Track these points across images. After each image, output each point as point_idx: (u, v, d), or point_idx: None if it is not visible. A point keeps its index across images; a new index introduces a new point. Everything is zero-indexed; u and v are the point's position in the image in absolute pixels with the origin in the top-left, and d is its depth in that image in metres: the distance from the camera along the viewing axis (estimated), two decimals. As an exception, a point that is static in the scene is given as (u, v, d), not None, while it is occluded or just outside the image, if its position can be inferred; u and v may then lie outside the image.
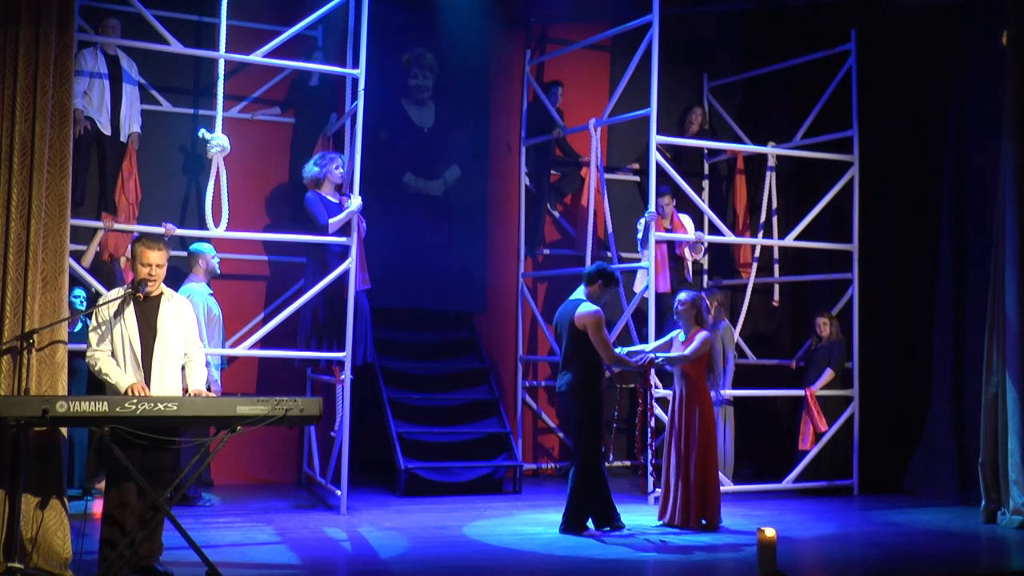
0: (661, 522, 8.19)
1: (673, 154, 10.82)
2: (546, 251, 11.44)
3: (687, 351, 8.10)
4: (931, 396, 10.23)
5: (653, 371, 9.05)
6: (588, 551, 7.25)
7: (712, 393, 8.29)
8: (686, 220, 10.41)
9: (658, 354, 8.28)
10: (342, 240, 8.60)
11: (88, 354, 6.17)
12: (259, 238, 9.62)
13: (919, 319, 10.49)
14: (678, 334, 8.34)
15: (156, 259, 6.20)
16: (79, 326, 8.51)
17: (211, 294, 8.67)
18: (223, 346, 8.70)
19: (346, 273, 8.54)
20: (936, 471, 10.03)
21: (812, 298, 11.08)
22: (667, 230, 10.08)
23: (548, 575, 6.75)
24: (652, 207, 9.56)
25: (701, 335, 8.10)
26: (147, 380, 6.11)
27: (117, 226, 8.70)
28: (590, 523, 7.82)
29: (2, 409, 5.68)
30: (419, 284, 10.47)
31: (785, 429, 10.87)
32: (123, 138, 9.25)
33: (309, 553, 7.03)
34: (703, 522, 8.00)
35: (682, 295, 8.36)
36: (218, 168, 8.32)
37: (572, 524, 7.74)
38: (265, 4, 10.05)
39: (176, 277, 8.34)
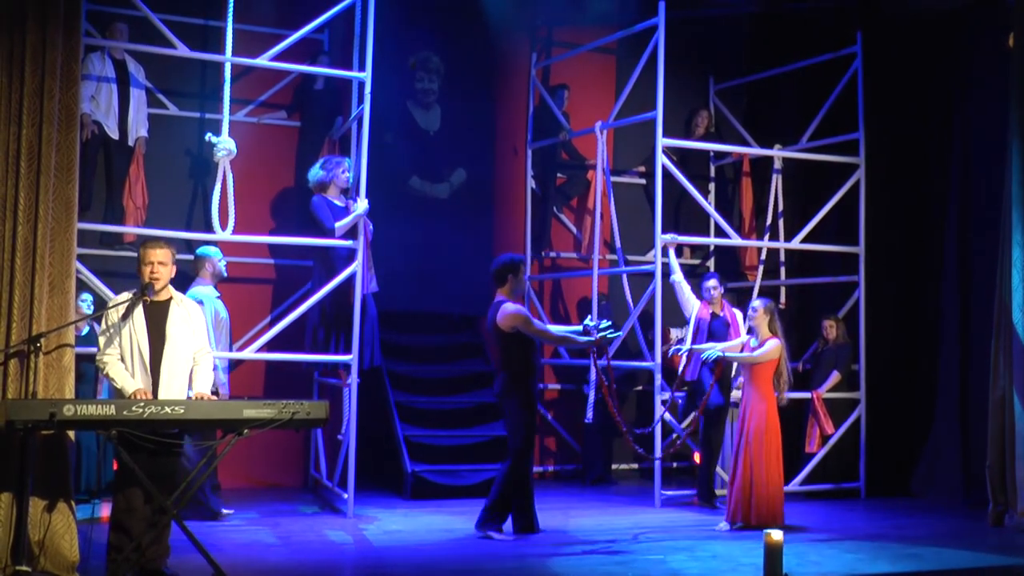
0: (738, 524, 8.21)
1: (679, 157, 10.82)
2: (552, 254, 11.44)
3: (755, 353, 8.27)
4: (938, 398, 10.22)
5: (659, 377, 9.07)
6: (593, 552, 7.25)
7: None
8: (739, 316, 9.51)
9: (727, 353, 8.50)
10: (348, 243, 8.60)
11: (97, 358, 6.19)
12: (266, 241, 9.63)
13: (925, 321, 10.47)
14: (749, 339, 8.50)
15: (158, 256, 6.18)
16: (86, 330, 8.53)
17: (218, 297, 8.68)
18: (230, 350, 8.71)
19: (353, 276, 8.55)
20: (943, 474, 10.02)
21: (818, 301, 11.07)
22: (717, 316, 9.44)
23: (554, 578, 6.76)
24: (660, 224, 9.55)
25: (772, 341, 8.25)
26: (155, 384, 6.11)
27: (126, 229, 8.73)
28: (509, 525, 7.78)
29: (10, 412, 5.70)
30: (425, 287, 10.49)
31: (792, 432, 10.84)
32: (130, 142, 9.30)
33: (315, 556, 7.04)
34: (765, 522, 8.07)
35: (756, 302, 8.50)
36: (224, 172, 8.33)
37: (489, 521, 7.65)
38: (271, 8, 10.08)
39: (183, 281, 8.35)
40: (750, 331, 8.57)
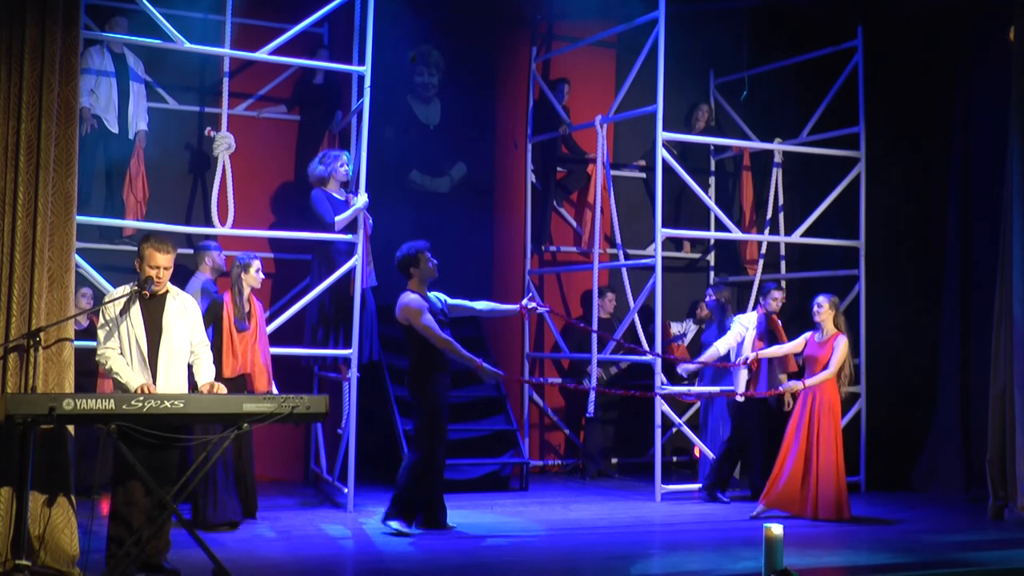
0: (760, 511, 8.42)
1: (679, 151, 10.81)
2: (552, 248, 11.43)
3: (831, 364, 8.39)
4: (938, 393, 10.23)
5: (661, 375, 9.04)
6: (594, 547, 7.25)
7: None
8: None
9: (807, 380, 8.47)
10: (348, 237, 8.60)
11: (98, 352, 6.18)
12: (266, 235, 9.63)
13: (926, 315, 10.47)
14: (813, 334, 8.59)
15: (164, 262, 6.19)
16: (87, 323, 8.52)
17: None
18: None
19: (352, 270, 8.54)
20: (943, 468, 10.03)
21: (818, 294, 11.04)
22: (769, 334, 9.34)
23: (555, 572, 6.74)
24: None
25: (841, 342, 8.42)
26: (153, 378, 6.11)
27: (125, 223, 8.72)
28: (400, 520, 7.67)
29: (9, 407, 5.69)
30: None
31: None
32: (130, 136, 9.28)
33: (316, 550, 7.05)
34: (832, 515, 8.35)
35: (820, 298, 8.60)
36: (224, 166, 8.33)
37: (394, 514, 7.55)
38: (271, 2, 10.06)
39: (183, 275, 8.35)
40: (815, 327, 8.59)
